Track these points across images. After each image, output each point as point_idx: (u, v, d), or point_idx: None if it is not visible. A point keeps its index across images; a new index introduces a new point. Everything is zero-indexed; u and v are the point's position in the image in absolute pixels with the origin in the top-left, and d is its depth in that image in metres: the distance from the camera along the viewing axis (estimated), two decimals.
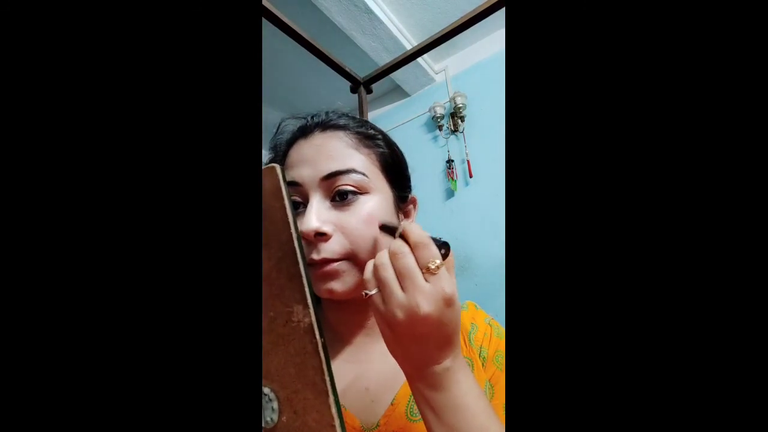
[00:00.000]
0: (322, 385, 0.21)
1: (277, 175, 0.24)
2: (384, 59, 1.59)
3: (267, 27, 0.74)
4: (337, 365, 0.40)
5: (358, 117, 0.41)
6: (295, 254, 0.23)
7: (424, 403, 0.28)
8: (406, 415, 0.36)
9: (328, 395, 0.21)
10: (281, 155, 0.40)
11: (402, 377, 0.36)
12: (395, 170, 0.41)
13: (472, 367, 0.40)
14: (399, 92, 1.98)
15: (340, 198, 0.35)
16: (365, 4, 1.36)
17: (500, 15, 0.86)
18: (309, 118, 0.41)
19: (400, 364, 0.29)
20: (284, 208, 0.23)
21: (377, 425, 0.36)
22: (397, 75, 1.77)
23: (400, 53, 1.24)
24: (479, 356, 0.40)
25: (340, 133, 0.39)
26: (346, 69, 0.95)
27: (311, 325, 0.22)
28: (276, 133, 0.43)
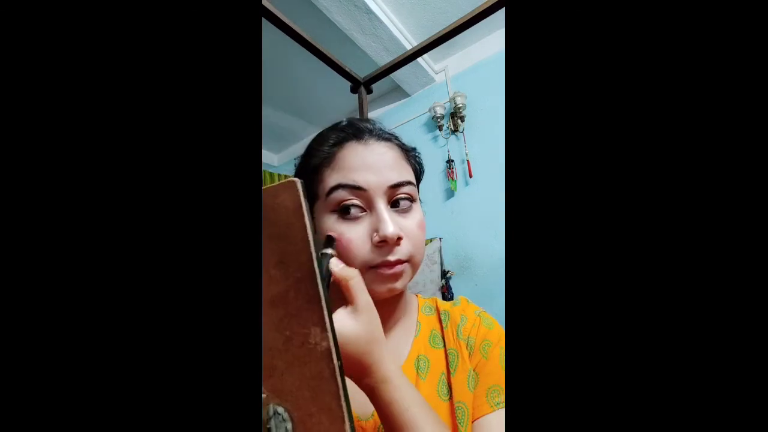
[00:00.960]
0: (338, 411, 0.21)
1: (297, 192, 0.23)
2: (384, 59, 1.59)
3: (267, 27, 0.74)
4: None
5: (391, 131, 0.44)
6: (314, 275, 0.22)
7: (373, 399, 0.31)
8: None
9: (344, 422, 0.21)
10: (326, 155, 0.40)
11: None
12: (419, 180, 0.47)
13: (458, 357, 0.42)
14: (399, 92, 1.98)
15: (398, 205, 0.39)
16: (365, 4, 1.36)
17: (500, 15, 0.86)
18: (359, 122, 0.42)
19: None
20: (305, 228, 0.22)
21: (372, 415, 0.38)
22: (397, 75, 1.77)
23: (400, 53, 1.24)
24: (467, 346, 0.43)
25: (392, 145, 0.42)
26: (346, 69, 0.95)
27: (329, 349, 0.22)
28: (332, 128, 0.43)
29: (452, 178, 1.63)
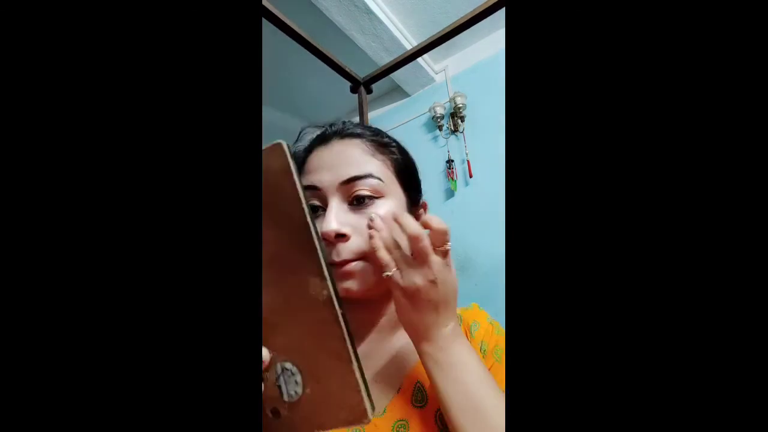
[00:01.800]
0: (344, 353, 0.21)
1: (284, 153, 0.23)
2: (384, 59, 1.59)
3: (267, 27, 0.74)
4: None
5: (373, 127, 0.45)
6: (309, 228, 0.22)
7: (432, 362, 0.33)
8: (411, 402, 0.39)
9: (351, 362, 0.21)
10: (300, 162, 0.42)
11: (407, 368, 0.41)
12: (408, 175, 0.44)
13: None
14: (399, 92, 1.98)
15: (357, 202, 0.38)
16: (365, 4, 1.36)
17: (500, 15, 0.86)
18: (328, 127, 0.43)
19: (411, 333, 0.34)
20: (294, 185, 0.23)
21: (384, 412, 0.38)
22: (397, 75, 1.77)
23: (400, 53, 1.24)
24: (480, 350, 0.43)
25: (357, 141, 0.41)
26: (346, 69, 0.95)
27: (330, 297, 0.22)
28: (296, 140, 0.45)
29: (452, 178, 1.63)
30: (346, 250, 0.36)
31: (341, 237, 0.36)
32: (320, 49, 0.86)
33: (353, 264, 0.36)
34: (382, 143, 0.42)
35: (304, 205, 0.23)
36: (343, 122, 0.44)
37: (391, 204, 0.39)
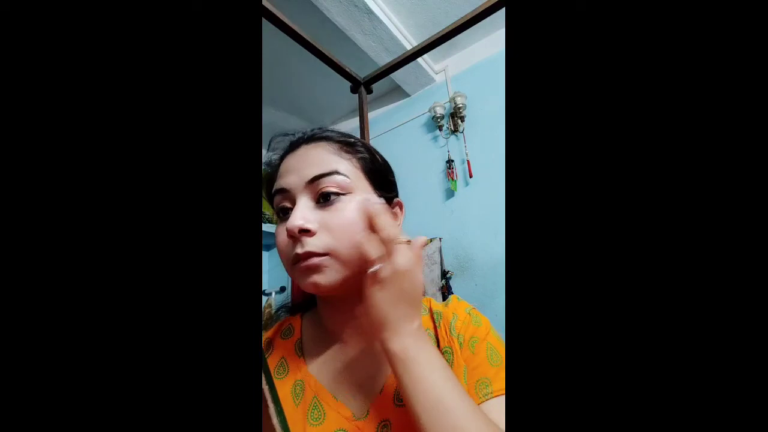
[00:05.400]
0: None
1: None
2: (384, 59, 1.59)
3: (267, 27, 0.74)
4: (328, 360, 0.44)
5: (342, 131, 0.46)
6: None
7: (397, 360, 0.33)
8: (393, 401, 0.39)
9: None
10: (275, 168, 0.45)
11: (389, 368, 0.40)
12: (378, 174, 0.45)
13: (452, 355, 0.43)
14: (399, 92, 1.98)
15: (324, 199, 0.39)
16: (365, 4, 1.36)
17: (500, 15, 0.86)
18: (296, 134, 0.46)
19: (379, 328, 0.34)
20: None
21: (367, 413, 0.39)
22: (397, 75, 1.77)
23: (400, 53, 1.24)
24: (457, 342, 0.44)
25: (323, 143, 0.43)
26: (346, 69, 0.95)
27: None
28: (268, 148, 0.48)
29: (452, 178, 1.63)
30: (310, 243, 0.37)
31: (305, 232, 0.37)
32: (320, 49, 0.86)
33: (319, 258, 0.37)
34: (348, 143, 0.44)
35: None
36: (311, 129, 0.45)
37: (355, 199, 0.40)
